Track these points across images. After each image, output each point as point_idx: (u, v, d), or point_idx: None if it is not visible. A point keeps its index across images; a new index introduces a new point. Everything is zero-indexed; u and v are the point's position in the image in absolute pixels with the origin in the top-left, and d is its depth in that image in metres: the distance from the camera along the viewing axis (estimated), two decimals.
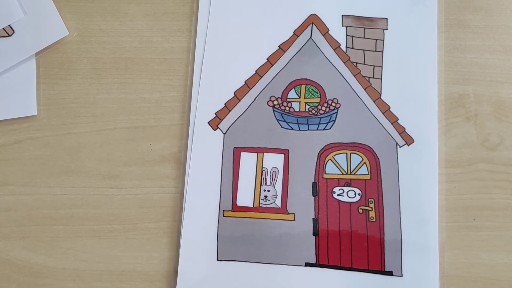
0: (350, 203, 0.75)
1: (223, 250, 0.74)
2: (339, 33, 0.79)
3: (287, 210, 0.75)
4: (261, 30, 0.80)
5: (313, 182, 0.75)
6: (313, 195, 0.75)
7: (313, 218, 0.75)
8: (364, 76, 0.78)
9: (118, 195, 0.77)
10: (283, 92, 0.78)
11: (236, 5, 0.81)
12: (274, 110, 0.77)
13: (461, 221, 0.75)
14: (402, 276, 0.72)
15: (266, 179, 0.76)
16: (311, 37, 0.79)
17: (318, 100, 0.77)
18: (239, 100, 0.78)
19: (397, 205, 0.74)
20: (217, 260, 0.74)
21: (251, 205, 0.75)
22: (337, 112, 0.77)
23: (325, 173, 0.76)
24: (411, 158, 0.75)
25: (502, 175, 0.76)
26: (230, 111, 0.77)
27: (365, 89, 0.77)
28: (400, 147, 0.76)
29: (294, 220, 0.75)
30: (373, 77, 0.78)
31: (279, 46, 0.79)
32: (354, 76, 0.78)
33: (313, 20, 0.80)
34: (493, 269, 0.74)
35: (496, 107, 0.78)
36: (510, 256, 0.74)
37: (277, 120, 0.77)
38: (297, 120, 0.77)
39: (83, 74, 0.80)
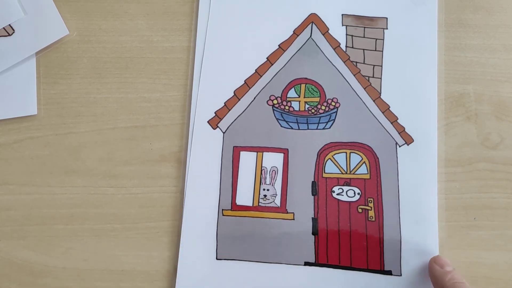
0: (350, 202, 0.75)
1: (222, 249, 0.74)
2: (339, 33, 0.79)
3: (286, 209, 0.75)
4: (261, 29, 0.80)
5: (312, 182, 0.75)
6: (313, 195, 0.75)
7: (312, 218, 0.75)
8: (363, 76, 0.78)
9: (119, 195, 0.77)
10: (282, 91, 0.78)
11: (236, 4, 0.81)
12: (273, 109, 0.77)
13: (461, 221, 0.75)
14: (401, 275, 0.72)
15: (265, 178, 0.76)
16: (311, 36, 0.79)
17: (317, 99, 0.77)
18: (239, 99, 0.78)
19: (396, 204, 0.74)
20: (217, 259, 0.74)
21: (251, 204, 0.75)
22: (336, 112, 0.77)
23: (324, 172, 0.76)
24: (410, 158, 0.75)
25: (502, 174, 0.76)
26: (229, 110, 0.77)
27: (364, 89, 0.77)
28: (399, 146, 0.76)
29: (294, 219, 0.74)
30: (373, 77, 0.78)
31: (279, 45, 0.79)
32: (354, 75, 0.78)
33: (313, 20, 0.80)
34: (493, 268, 0.74)
35: (496, 106, 0.78)
36: (510, 255, 0.74)
37: (277, 119, 0.77)
38: (296, 119, 0.77)
39: (83, 73, 0.80)
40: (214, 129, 0.77)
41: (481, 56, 0.80)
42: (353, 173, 0.76)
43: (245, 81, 0.78)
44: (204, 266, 0.73)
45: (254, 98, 0.78)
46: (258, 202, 0.75)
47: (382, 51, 0.79)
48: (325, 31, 0.79)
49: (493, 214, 0.75)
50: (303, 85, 0.78)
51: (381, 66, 0.78)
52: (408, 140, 0.76)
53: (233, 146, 0.77)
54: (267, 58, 0.79)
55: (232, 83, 0.78)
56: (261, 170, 0.76)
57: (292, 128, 0.77)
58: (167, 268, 0.75)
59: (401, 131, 0.76)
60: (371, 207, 0.74)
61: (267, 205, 0.75)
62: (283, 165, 0.76)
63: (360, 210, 0.75)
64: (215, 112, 0.77)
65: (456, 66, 0.79)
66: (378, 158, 0.76)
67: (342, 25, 0.80)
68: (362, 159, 0.76)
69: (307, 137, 0.77)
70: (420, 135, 0.76)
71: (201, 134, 0.77)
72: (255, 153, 0.76)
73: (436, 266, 0.70)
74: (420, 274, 0.72)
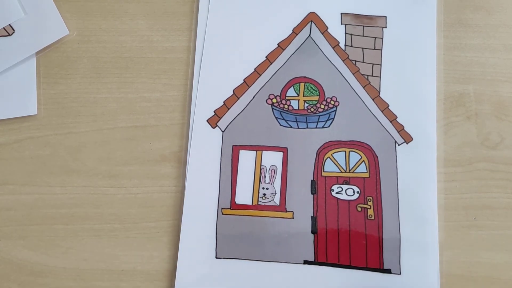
0: (349, 201, 0.75)
1: (221, 248, 0.74)
2: (338, 31, 0.80)
3: (285, 208, 0.75)
4: (260, 28, 0.80)
5: (311, 180, 0.75)
6: (312, 193, 0.75)
7: (311, 216, 0.74)
8: (363, 74, 0.78)
9: (119, 195, 0.77)
10: (282, 90, 0.78)
11: (235, 3, 0.81)
12: (273, 108, 0.77)
13: (461, 220, 0.75)
14: (400, 274, 0.72)
15: (264, 177, 0.76)
16: (310, 35, 0.79)
17: (317, 98, 0.77)
18: (238, 98, 0.78)
19: (395, 203, 0.74)
20: (216, 258, 0.73)
21: (250, 203, 0.75)
22: (335, 110, 0.77)
23: (323, 171, 0.76)
24: (409, 156, 0.75)
25: (502, 174, 0.76)
26: (228, 109, 0.77)
27: (364, 87, 0.77)
28: (398, 145, 0.75)
29: (293, 218, 0.74)
30: (372, 75, 0.78)
31: (278, 44, 0.79)
32: (353, 74, 0.78)
33: (312, 18, 0.80)
34: (493, 268, 0.74)
35: (496, 106, 0.78)
36: (510, 255, 0.74)
37: (276, 118, 0.77)
38: (295, 118, 0.77)
39: (83, 73, 0.80)
40: (213, 128, 0.77)
41: (481, 56, 0.80)
42: (352, 172, 0.76)
43: (244, 80, 0.78)
44: (203, 265, 0.73)
45: (253, 97, 0.78)
46: (258, 200, 0.75)
47: (381, 49, 0.79)
48: (324, 30, 0.79)
49: (493, 214, 0.75)
50: (302, 84, 0.78)
51: (380, 64, 0.78)
52: (407, 138, 0.76)
53: (232, 145, 0.77)
54: (266, 57, 0.79)
55: (232, 82, 0.78)
56: (260, 169, 0.76)
57: (291, 127, 0.77)
58: (167, 268, 0.75)
59: (400, 129, 0.76)
60: (370, 206, 0.74)
61: (266, 203, 0.75)
62: (282, 164, 0.76)
63: (359, 209, 0.74)
64: (214, 111, 0.77)
65: (456, 66, 0.79)
66: (377, 156, 0.76)
67: (341, 23, 0.80)
68: (361, 157, 0.76)
69: (306, 136, 0.77)
70: (419, 134, 0.76)
71: (201, 133, 0.77)
72: (254, 152, 0.76)
73: None
74: (419, 272, 0.72)
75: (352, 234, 0.74)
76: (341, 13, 0.80)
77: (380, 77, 0.78)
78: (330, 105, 0.77)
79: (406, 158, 0.75)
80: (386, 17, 0.80)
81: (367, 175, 0.75)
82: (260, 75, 0.78)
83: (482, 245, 0.74)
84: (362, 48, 0.79)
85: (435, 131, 0.76)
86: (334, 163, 0.76)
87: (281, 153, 0.76)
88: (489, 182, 0.76)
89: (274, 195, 0.75)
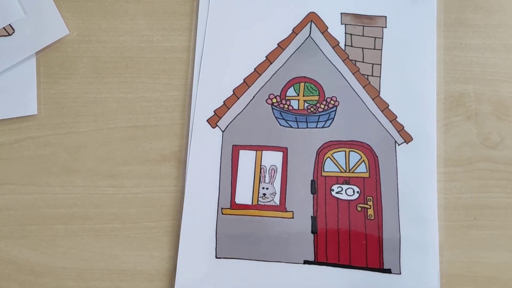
0: (349, 201, 0.75)
1: (221, 248, 0.74)
2: (338, 31, 0.79)
3: (285, 208, 0.75)
4: (260, 28, 0.80)
5: (311, 180, 0.75)
6: (312, 193, 0.75)
7: (311, 216, 0.74)
8: (363, 74, 0.78)
9: (119, 194, 0.77)
10: (282, 90, 0.78)
11: (235, 3, 0.81)
12: (272, 108, 0.77)
13: (461, 220, 0.75)
14: (400, 274, 0.72)
15: (264, 176, 0.76)
16: (310, 35, 0.79)
17: (317, 98, 0.77)
18: (238, 98, 0.77)
19: (395, 203, 0.74)
20: (216, 257, 0.73)
21: (250, 203, 0.75)
22: (335, 110, 0.77)
23: (323, 171, 0.76)
24: (409, 156, 0.75)
25: (502, 174, 0.76)
26: (228, 109, 0.77)
27: (363, 87, 0.77)
28: (398, 145, 0.75)
29: (293, 218, 0.74)
30: (372, 75, 0.78)
31: (278, 44, 0.79)
32: (353, 74, 0.78)
33: (312, 18, 0.80)
34: (493, 268, 0.74)
35: (496, 106, 0.78)
36: (510, 255, 0.74)
37: (276, 118, 0.77)
38: (295, 118, 0.77)
39: (84, 73, 0.80)
40: (213, 128, 0.77)
41: (481, 56, 0.80)
42: (352, 172, 0.76)
43: (244, 80, 0.78)
44: (203, 265, 0.73)
45: (253, 97, 0.78)
46: (258, 200, 0.75)
47: (381, 49, 0.79)
48: (324, 30, 0.79)
49: (493, 214, 0.75)
50: (302, 84, 0.78)
51: (380, 64, 0.78)
52: (407, 138, 0.76)
53: (232, 145, 0.76)
54: (266, 57, 0.79)
55: (231, 82, 0.78)
56: (260, 169, 0.76)
57: (291, 127, 0.77)
58: (167, 268, 0.75)
59: (400, 129, 0.76)
60: (370, 206, 0.74)
61: (266, 203, 0.75)
62: (282, 164, 0.76)
63: (359, 209, 0.74)
64: (214, 111, 0.77)
65: (456, 66, 0.79)
66: (377, 156, 0.75)
67: (341, 23, 0.80)
68: (361, 157, 0.76)
69: (306, 136, 0.76)
70: (419, 134, 0.76)
71: (201, 133, 0.77)
72: (254, 151, 0.76)
73: None
74: (419, 272, 0.72)
75: (352, 234, 0.74)
76: (341, 13, 0.80)
77: (380, 77, 0.78)
78: (330, 105, 0.77)
79: (406, 158, 0.75)
80: (386, 17, 0.79)
81: (367, 175, 0.75)
82: (260, 75, 0.78)
83: (482, 245, 0.74)
84: (362, 48, 0.79)
85: (435, 131, 0.76)
86: (334, 163, 0.76)
87: (281, 153, 0.76)
88: (489, 182, 0.76)
89: (274, 195, 0.75)
